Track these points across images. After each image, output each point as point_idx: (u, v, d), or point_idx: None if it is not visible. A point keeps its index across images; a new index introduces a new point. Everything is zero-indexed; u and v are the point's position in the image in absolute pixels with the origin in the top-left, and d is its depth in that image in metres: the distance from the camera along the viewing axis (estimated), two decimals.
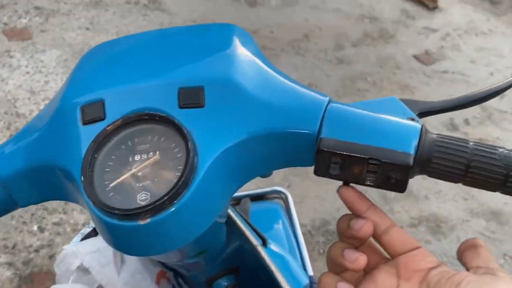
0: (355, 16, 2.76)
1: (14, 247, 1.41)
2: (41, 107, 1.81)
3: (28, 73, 1.95)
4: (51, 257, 1.39)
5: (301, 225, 1.58)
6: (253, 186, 1.77)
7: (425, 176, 0.39)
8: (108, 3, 2.45)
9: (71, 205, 1.54)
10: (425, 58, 2.53)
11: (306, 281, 0.77)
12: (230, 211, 0.49)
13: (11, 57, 2.00)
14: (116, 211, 0.34)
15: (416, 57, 2.53)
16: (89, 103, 0.39)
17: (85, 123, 0.39)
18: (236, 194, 1.01)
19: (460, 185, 0.39)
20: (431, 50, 2.59)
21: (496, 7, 3.05)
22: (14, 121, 1.73)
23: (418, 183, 1.79)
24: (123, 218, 0.34)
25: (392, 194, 1.78)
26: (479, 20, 2.89)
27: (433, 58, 2.54)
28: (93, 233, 0.70)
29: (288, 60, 2.34)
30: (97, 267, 0.59)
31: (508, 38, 2.76)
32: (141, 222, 0.34)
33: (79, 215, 1.51)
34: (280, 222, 1.01)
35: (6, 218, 1.48)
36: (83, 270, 0.63)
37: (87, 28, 2.24)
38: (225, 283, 0.54)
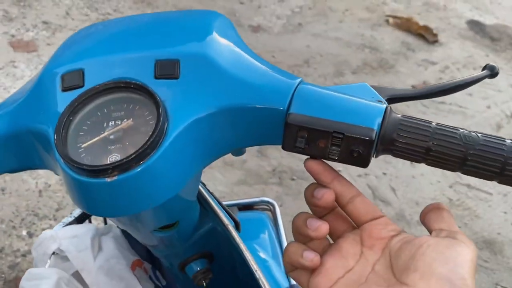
0: (356, 45, 2.82)
1: (1, 251, 1.41)
2: None
3: None
4: None
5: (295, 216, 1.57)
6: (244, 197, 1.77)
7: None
8: None
9: (62, 212, 1.54)
10: None
11: (286, 285, 0.77)
12: (204, 192, 0.50)
13: (15, 67, 2.04)
14: (85, 167, 0.35)
15: (414, 87, 2.56)
16: (69, 72, 0.41)
17: (64, 89, 0.40)
18: (224, 203, 1.01)
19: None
20: (429, 82, 2.62)
21: (495, 44, 3.11)
22: None
23: (410, 208, 1.79)
24: (91, 175, 0.35)
25: None
26: (478, 55, 2.95)
27: None
28: (75, 222, 0.70)
29: None
30: (74, 252, 0.59)
31: (506, 74, 2.80)
32: (108, 179, 0.35)
33: None
34: (266, 231, 1.01)
35: None
36: (61, 257, 0.63)
37: None
38: (198, 268, 0.54)
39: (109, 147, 0.37)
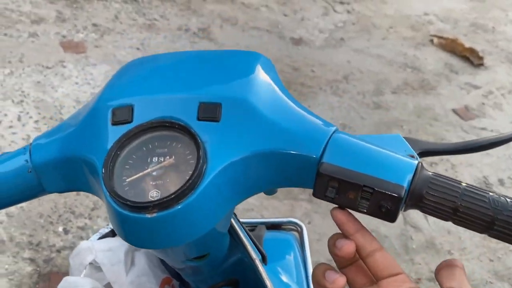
0: (398, 64, 2.79)
1: (38, 244, 1.47)
2: None
3: (77, 83, 2.07)
4: None
5: (317, 263, 1.58)
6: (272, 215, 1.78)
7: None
8: (160, 27, 2.58)
9: (97, 212, 1.60)
10: (464, 113, 2.51)
11: None
12: (234, 224, 0.52)
13: (64, 67, 2.13)
14: (128, 203, 0.38)
15: (455, 111, 2.51)
16: (120, 107, 0.44)
17: (114, 123, 0.43)
18: (252, 220, 1.03)
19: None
20: (471, 106, 2.57)
21: None
22: None
23: (441, 236, 1.76)
24: (133, 210, 0.38)
25: (413, 244, 1.75)
26: None
27: (472, 114, 2.51)
28: (110, 234, 0.74)
29: (325, 99, 2.37)
30: (108, 265, 0.62)
31: None
32: (149, 215, 0.37)
33: (103, 222, 1.56)
34: (292, 253, 1.01)
35: (35, 216, 1.55)
36: (95, 267, 0.66)
37: (138, 48, 2.37)
38: None
39: (151, 183, 0.39)
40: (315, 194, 0.41)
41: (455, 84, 2.72)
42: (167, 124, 0.42)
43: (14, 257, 1.42)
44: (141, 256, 0.65)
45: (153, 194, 0.39)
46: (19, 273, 1.38)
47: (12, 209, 1.50)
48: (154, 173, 0.40)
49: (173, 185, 0.39)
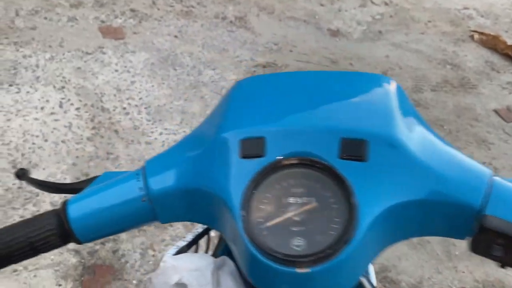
0: (437, 60, 2.71)
1: None
2: (125, 105, 1.89)
3: (116, 71, 2.04)
4: (115, 252, 1.43)
5: None
6: None
7: None
8: (197, 14, 2.54)
9: None
10: (506, 114, 2.44)
11: None
12: None
13: (103, 53, 2.11)
14: (276, 254, 0.34)
15: (496, 111, 2.44)
16: (249, 138, 0.40)
17: (244, 157, 0.39)
18: None
19: None
20: None
21: None
22: (98, 115, 1.82)
23: None
24: (280, 262, 0.35)
25: (456, 251, 1.71)
26: None
27: None
28: (185, 248, 0.71)
29: None
30: (196, 286, 0.60)
31: None
32: (299, 270, 0.34)
33: None
34: None
35: None
36: (179, 284, 0.64)
37: (175, 36, 2.33)
38: None
39: (292, 229, 0.36)
40: (475, 251, 0.37)
41: (497, 83, 2.64)
42: (307, 162, 0.38)
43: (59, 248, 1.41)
44: (227, 277, 0.62)
45: (296, 243, 0.36)
46: (64, 264, 1.38)
47: (56, 197, 1.50)
48: (296, 218, 0.37)
49: (319, 233, 0.36)
